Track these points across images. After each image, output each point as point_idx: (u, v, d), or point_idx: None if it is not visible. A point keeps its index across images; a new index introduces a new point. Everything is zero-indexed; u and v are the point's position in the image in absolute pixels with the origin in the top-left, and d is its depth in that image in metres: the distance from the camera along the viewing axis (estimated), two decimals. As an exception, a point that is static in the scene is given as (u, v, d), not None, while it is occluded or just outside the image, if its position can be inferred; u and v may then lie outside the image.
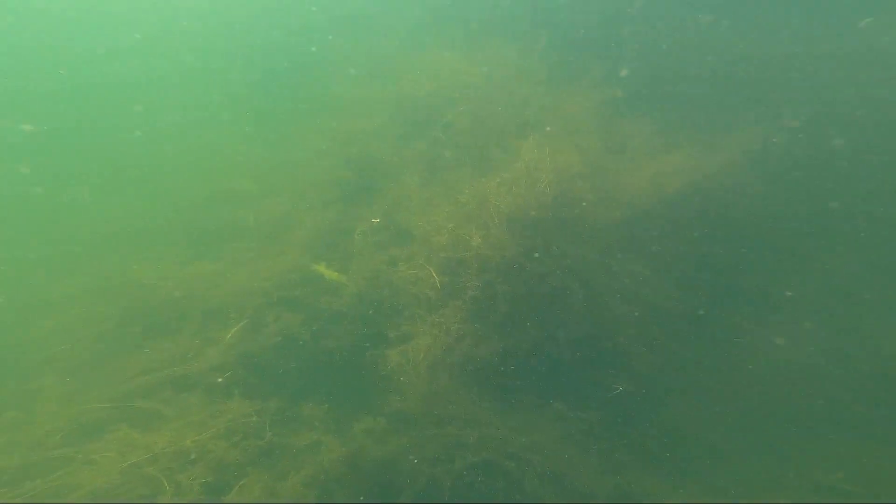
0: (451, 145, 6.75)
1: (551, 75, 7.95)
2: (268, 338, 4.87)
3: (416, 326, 4.88)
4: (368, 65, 8.77)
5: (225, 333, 4.81)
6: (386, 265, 5.51)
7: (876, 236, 5.19)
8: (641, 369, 4.41)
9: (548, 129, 6.83)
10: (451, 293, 5.01)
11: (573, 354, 4.55)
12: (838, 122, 6.26)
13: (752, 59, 7.37)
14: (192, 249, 5.77)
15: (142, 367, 4.27)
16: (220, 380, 4.35)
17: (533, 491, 3.64)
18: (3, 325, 4.65)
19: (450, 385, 4.48)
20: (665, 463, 3.85)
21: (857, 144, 5.95)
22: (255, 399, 4.28)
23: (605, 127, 6.85)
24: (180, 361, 4.39)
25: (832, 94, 6.63)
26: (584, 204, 5.72)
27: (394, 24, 9.83)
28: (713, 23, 8.16)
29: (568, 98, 7.41)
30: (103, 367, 4.25)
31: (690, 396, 4.28)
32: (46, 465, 3.30)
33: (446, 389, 4.46)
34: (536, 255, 5.18)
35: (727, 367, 4.41)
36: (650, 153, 6.40)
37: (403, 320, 5.03)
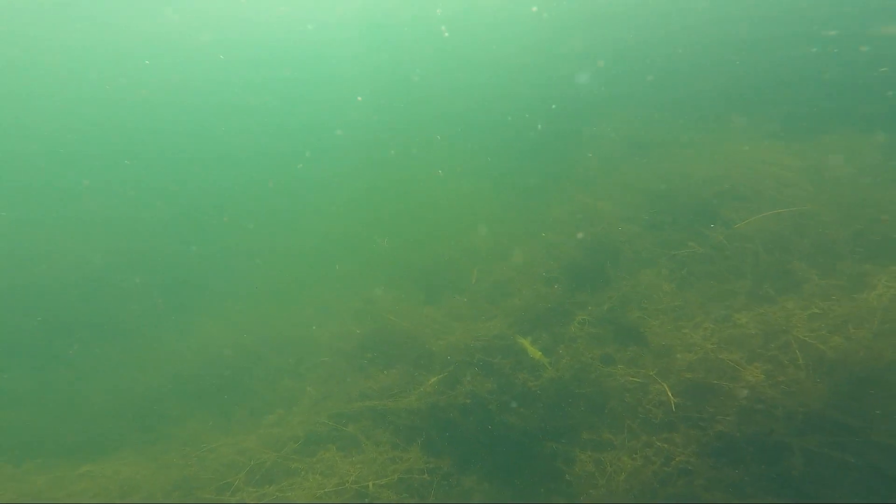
0: (728, 250, 5.60)
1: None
2: (459, 397, 5.21)
3: (621, 438, 4.39)
4: (632, 140, 8.17)
5: (427, 379, 5.42)
6: (599, 362, 5.11)
7: None
8: None
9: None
10: (688, 420, 4.23)
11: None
12: None
13: None
14: (424, 294, 6.72)
15: (360, 392, 5.26)
16: (409, 424, 4.93)
17: None
18: (296, 328, 6.55)
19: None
20: None
21: None
22: (431, 455, 4.67)
23: None
24: (386, 396, 5.19)
25: None
26: None
27: (675, 100, 8.88)
28: None
29: None
30: (339, 382, 5.46)
31: None
32: (281, 471, 4.51)
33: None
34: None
35: None
36: None
37: (605, 426, 4.61)
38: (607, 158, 8.04)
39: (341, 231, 8.67)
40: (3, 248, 9.08)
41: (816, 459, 3.64)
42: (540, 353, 5.52)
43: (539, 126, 9.52)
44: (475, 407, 5.09)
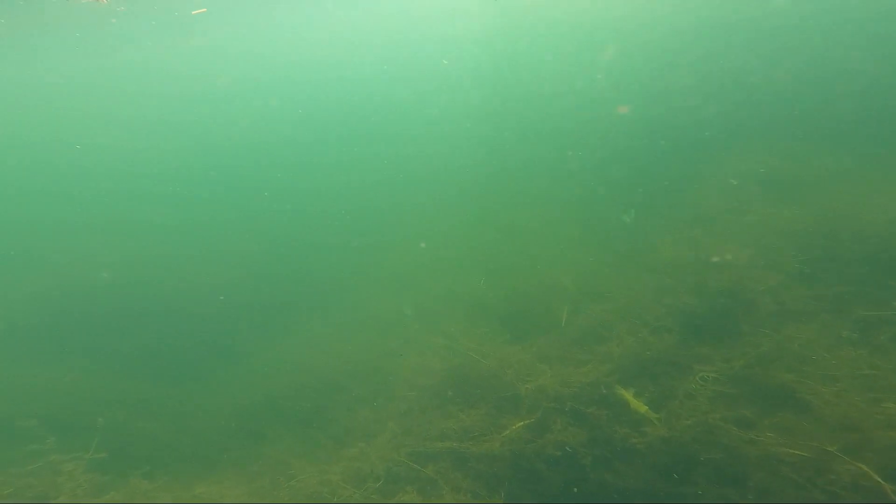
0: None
1: None
2: (547, 446, 4.73)
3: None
4: (768, 174, 7.17)
5: (511, 423, 5.02)
6: (732, 425, 4.37)
7: None
8: None
9: None
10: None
11: None
12: None
13: None
14: (510, 334, 6.41)
15: (440, 431, 5.02)
16: (491, 471, 4.54)
17: None
18: (379, 359, 6.55)
19: None
20: None
21: None
22: (515, 510, 4.21)
23: None
24: (466, 438, 4.88)
25: None
26: None
27: (822, 126, 7.74)
28: None
29: None
30: (419, 419, 5.28)
31: None
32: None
33: None
34: None
35: None
36: None
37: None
38: (736, 195, 7.14)
39: (427, 265, 8.75)
40: (125, 272, 10.56)
41: None
42: (646, 406, 4.88)
43: (652, 156, 8.86)
44: (565, 460, 4.56)
